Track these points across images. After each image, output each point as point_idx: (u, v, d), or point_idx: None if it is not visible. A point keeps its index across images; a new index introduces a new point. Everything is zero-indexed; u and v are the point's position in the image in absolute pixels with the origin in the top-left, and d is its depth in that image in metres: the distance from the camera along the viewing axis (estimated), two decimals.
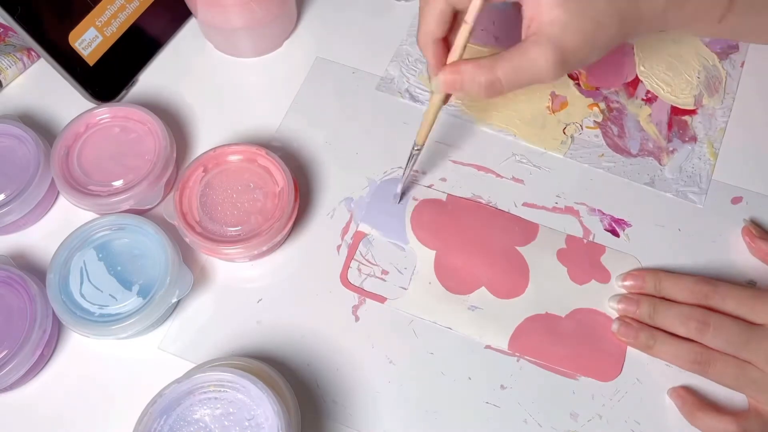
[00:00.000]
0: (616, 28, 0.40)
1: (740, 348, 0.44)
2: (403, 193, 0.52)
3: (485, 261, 0.50)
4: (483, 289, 0.49)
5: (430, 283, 0.50)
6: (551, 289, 0.49)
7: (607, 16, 0.40)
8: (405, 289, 0.50)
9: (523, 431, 0.45)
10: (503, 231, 0.51)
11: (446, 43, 0.42)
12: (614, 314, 0.48)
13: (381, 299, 0.49)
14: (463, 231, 0.51)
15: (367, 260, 0.51)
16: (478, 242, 0.51)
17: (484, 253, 0.50)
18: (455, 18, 0.42)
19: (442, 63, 0.42)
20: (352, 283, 0.50)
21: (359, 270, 0.50)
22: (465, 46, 0.40)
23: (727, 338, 0.45)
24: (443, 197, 0.52)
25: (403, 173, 0.50)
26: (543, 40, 0.38)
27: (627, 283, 0.49)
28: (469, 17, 0.39)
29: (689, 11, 0.43)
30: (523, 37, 0.40)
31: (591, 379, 0.47)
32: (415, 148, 0.48)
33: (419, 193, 0.53)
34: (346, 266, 0.50)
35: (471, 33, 0.39)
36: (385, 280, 0.50)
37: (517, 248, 0.51)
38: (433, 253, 0.51)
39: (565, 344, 0.48)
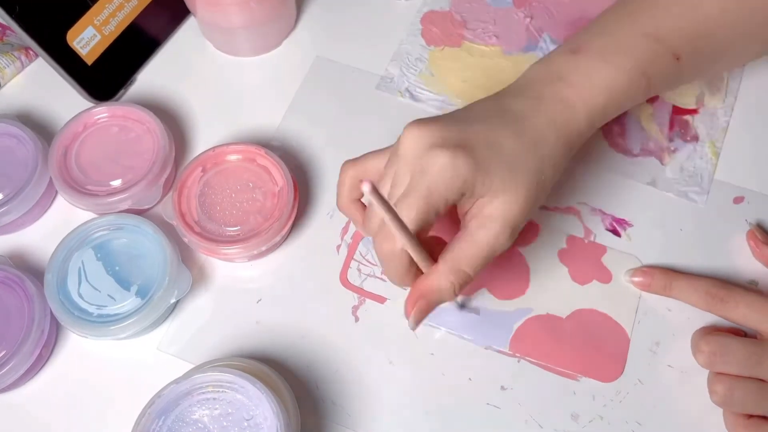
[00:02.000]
0: (561, 160, 0.42)
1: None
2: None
3: None
4: (484, 289, 0.49)
5: None
6: (552, 290, 0.49)
7: (548, 164, 0.41)
8: (405, 289, 0.49)
9: None
10: None
11: (361, 202, 0.45)
12: (617, 312, 0.48)
13: (381, 299, 0.49)
14: None
15: (367, 260, 0.50)
16: None
17: None
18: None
19: (362, 215, 0.45)
20: (351, 283, 0.50)
21: (359, 270, 0.50)
22: (421, 257, 0.40)
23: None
24: None
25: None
26: (488, 222, 0.40)
27: (635, 279, 0.49)
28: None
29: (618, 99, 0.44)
30: (463, 217, 0.41)
31: (592, 379, 0.47)
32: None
33: None
34: (346, 266, 0.50)
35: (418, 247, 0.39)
36: (385, 280, 0.50)
37: (518, 248, 0.50)
38: None
39: (566, 345, 0.47)
